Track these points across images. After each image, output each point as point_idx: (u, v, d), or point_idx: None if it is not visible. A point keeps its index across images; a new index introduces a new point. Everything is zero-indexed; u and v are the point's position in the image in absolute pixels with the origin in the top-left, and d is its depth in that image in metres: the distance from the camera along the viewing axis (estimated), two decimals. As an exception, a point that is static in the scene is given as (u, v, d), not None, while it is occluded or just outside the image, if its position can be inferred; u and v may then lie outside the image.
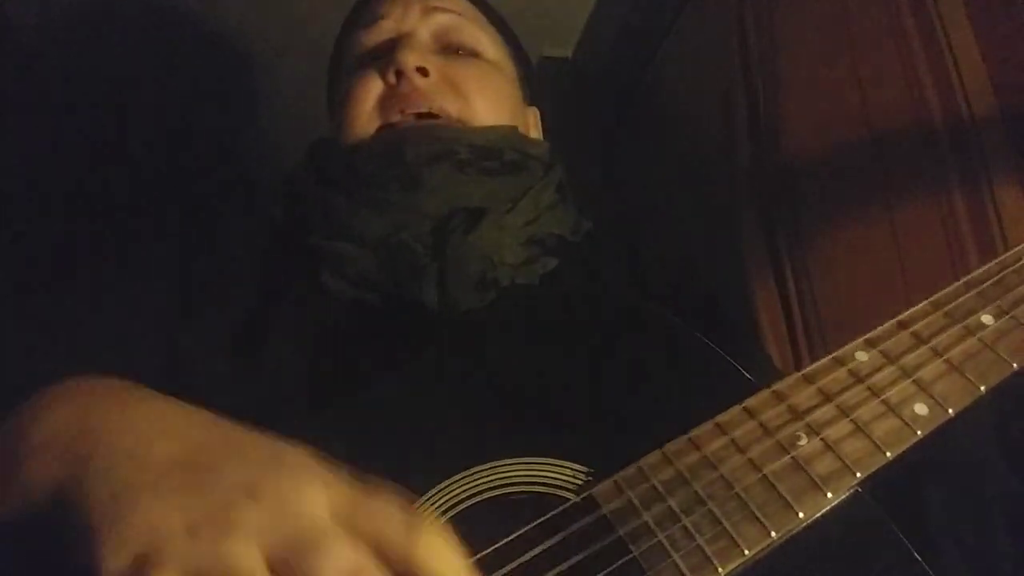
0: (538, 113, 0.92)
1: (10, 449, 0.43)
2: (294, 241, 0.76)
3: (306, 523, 0.36)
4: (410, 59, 0.75)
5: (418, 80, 0.76)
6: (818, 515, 0.44)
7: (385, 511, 0.38)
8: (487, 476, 0.48)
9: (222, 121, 1.49)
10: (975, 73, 0.88)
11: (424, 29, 0.81)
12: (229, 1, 1.37)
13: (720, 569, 0.42)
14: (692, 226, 1.29)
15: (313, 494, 0.37)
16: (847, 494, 0.45)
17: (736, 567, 0.43)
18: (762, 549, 0.43)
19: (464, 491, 0.48)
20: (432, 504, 0.47)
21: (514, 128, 0.80)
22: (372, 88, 0.78)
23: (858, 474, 0.45)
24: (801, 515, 0.44)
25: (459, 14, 0.83)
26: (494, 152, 0.75)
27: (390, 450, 0.50)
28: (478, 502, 0.47)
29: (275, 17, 1.39)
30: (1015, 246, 0.54)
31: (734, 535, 0.43)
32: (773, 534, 0.43)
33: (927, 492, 0.59)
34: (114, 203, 1.38)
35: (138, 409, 0.44)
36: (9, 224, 1.19)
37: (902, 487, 0.59)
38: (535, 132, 0.89)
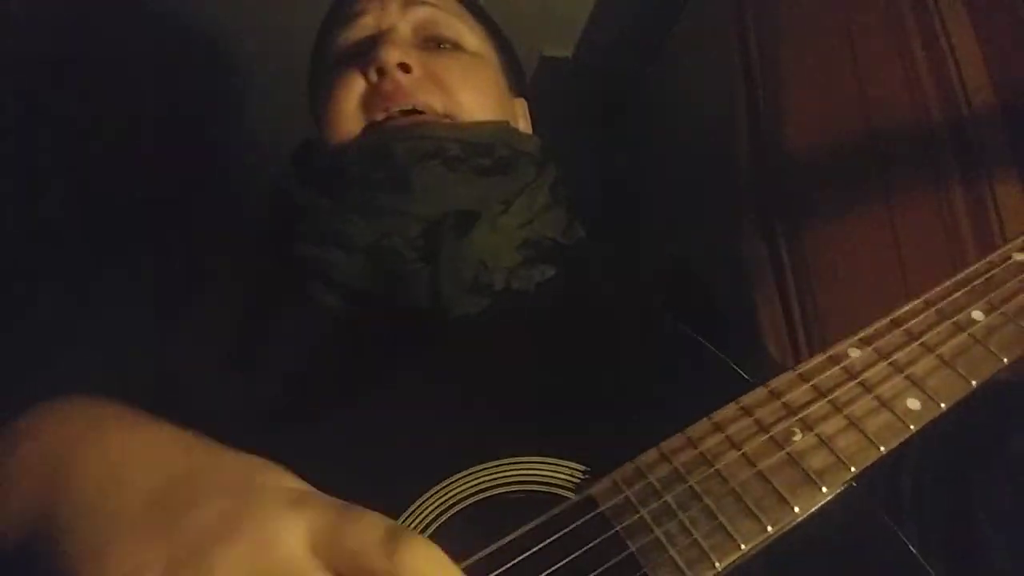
0: (525, 104, 0.90)
1: None
2: (281, 247, 0.75)
3: (284, 563, 0.36)
4: (391, 55, 0.73)
5: (401, 77, 0.74)
6: (813, 509, 0.45)
7: (364, 532, 0.37)
8: (484, 476, 0.49)
9: (210, 123, 1.49)
10: (975, 73, 0.88)
11: (404, 24, 0.79)
12: (227, 3, 1.38)
13: (717, 564, 0.43)
14: (692, 226, 1.29)
15: (290, 529, 0.37)
16: (842, 489, 0.46)
17: (733, 561, 0.43)
18: (758, 543, 0.44)
19: (461, 492, 0.48)
20: (429, 506, 0.47)
21: (505, 123, 0.78)
22: (354, 87, 0.76)
23: (852, 468, 0.45)
24: (796, 509, 0.44)
25: (438, 7, 0.81)
26: (485, 148, 0.73)
27: (386, 454, 0.51)
28: (476, 502, 0.48)
29: (267, 17, 1.39)
30: (1011, 244, 0.54)
31: (730, 530, 0.44)
32: (769, 528, 0.44)
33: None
34: (102, 207, 1.39)
35: (115, 437, 0.43)
36: (7, 225, 1.20)
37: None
38: (524, 123, 0.88)
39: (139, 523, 0.37)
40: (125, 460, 0.41)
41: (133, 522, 0.37)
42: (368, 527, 0.37)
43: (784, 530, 0.44)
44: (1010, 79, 0.87)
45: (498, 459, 0.49)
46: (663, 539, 0.44)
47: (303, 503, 0.38)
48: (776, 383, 0.50)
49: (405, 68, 0.75)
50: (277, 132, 0.99)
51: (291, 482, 0.40)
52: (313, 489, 0.40)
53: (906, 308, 0.51)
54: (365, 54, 0.77)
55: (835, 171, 1.01)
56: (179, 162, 1.43)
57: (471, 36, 0.82)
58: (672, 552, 0.43)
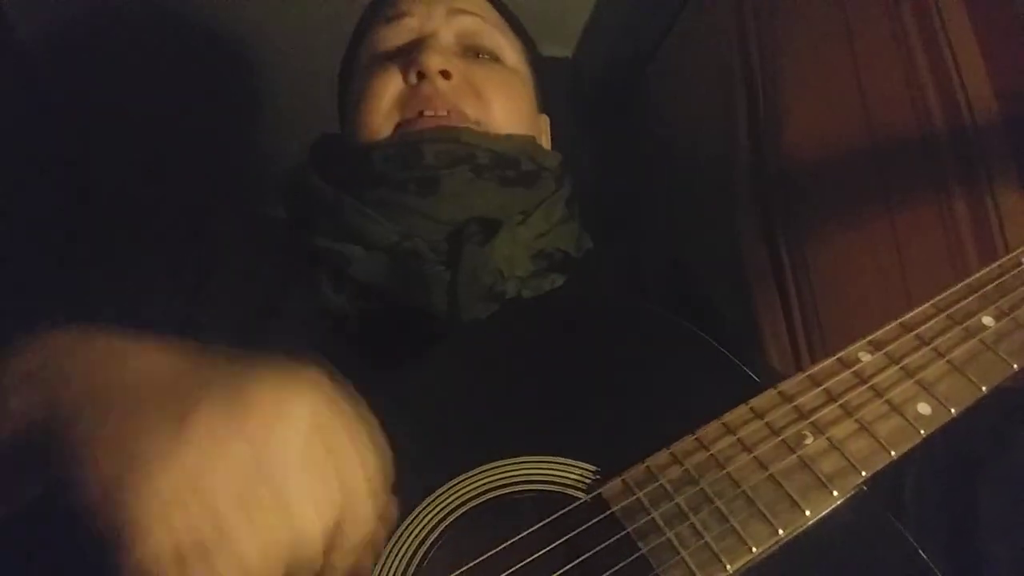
0: (548, 120, 0.91)
1: None
2: (297, 242, 0.75)
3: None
4: (434, 61, 0.74)
5: (440, 82, 0.75)
6: (824, 513, 0.45)
7: None
8: (496, 475, 0.49)
9: (221, 121, 1.49)
10: (976, 75, 0.88)
11: (448, 31, 0.79)
12: (229, 2, 1.38)
13: (728, 566, 0.43)
14: (692, 227, 1.29)
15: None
16: (853, 492, 0.46)
17: (744, 564, 0.43)
18: (769, 547, 0.44)
19: (473, 490, 0.48)
20: (438, 504, 0.47)
21: (532, 138, 0.79)
22: (391, 86, 0.76)
23: (864, 473, 0.46)
24: (808, 513, 0.44)
25: (483, 18, 0.82)
26: (512, 161, 0.74)
27: (397, 450, 0.51)
28: (487, 500, 0.48)
29: (275, 17, 1.39)
30: (1015, 248, 0.55)
31: (742, 533, 0.44)
32: (780, 532, 0.44)
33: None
34: (110, 204, 1.38)
35: (114, 342, 0.42)
36: (11, 222, 1.20)
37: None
38: (546, 140, 0.89)
39: (140, 406, 0.38)
40: (126, 355, 0.41)
41: (133, 406, 0.38)
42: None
43: (794, 533, 0.45)
44: (1010, 80, 0.87)
45: (509, 458, 0.49)
46: (674, 541, 0.44)
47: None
48: (786, 385, 0.50)
49: (445, 75, 0.75)
50: (293, 126, 0.99)
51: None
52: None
53: (915, 312, 0.51)
54: (406, 55, 0.77)
55: (835, 172, 1.01)
56: (194, 156, 1.43)
57: (510, 50, 0.83)
58: (683, 554, 0.44)
